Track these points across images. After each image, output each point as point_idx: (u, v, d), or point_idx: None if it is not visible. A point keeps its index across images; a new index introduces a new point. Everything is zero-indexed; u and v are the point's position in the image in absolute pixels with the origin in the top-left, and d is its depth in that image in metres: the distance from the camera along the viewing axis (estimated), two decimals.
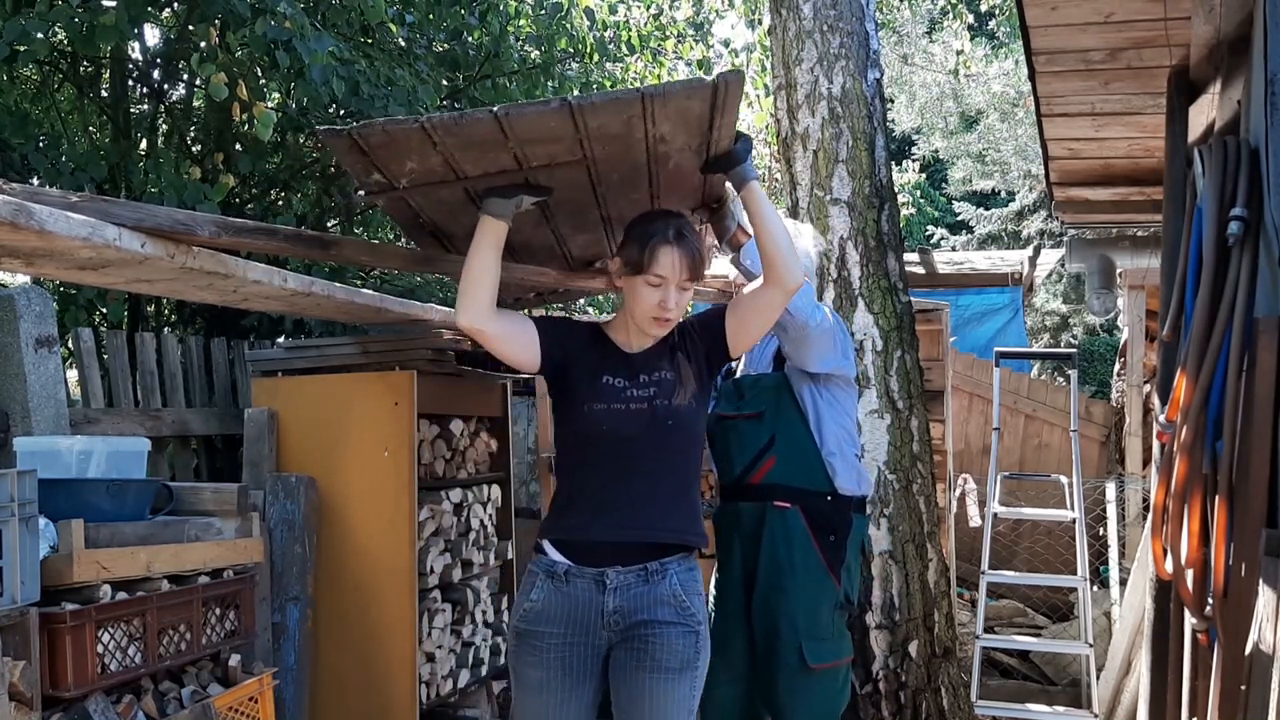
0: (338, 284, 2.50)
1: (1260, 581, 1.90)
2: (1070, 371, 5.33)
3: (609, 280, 2.40)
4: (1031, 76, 3.44)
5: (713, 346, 2.14)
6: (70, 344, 3.47)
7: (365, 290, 2.59)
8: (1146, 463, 5.56)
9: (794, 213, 3.88)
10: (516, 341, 2.07)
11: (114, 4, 3.51)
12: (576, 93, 5.47)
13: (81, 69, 4.61)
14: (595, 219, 2.19)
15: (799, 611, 2.50)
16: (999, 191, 14.24)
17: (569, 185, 2.00)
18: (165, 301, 4.38)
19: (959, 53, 10.48)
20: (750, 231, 2.31)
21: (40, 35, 3.39)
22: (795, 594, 2.50)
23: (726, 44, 6.93)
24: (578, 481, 2.10)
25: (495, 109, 1.66)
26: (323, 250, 2.06)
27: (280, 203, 5.03)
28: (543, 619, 2.05)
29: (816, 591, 2.54)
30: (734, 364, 2.79)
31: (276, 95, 4.75)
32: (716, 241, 2.36)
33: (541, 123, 1.73)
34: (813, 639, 2.50)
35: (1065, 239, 6.90)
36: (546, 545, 2.10)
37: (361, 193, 1.91)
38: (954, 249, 13.44)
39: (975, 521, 5.29)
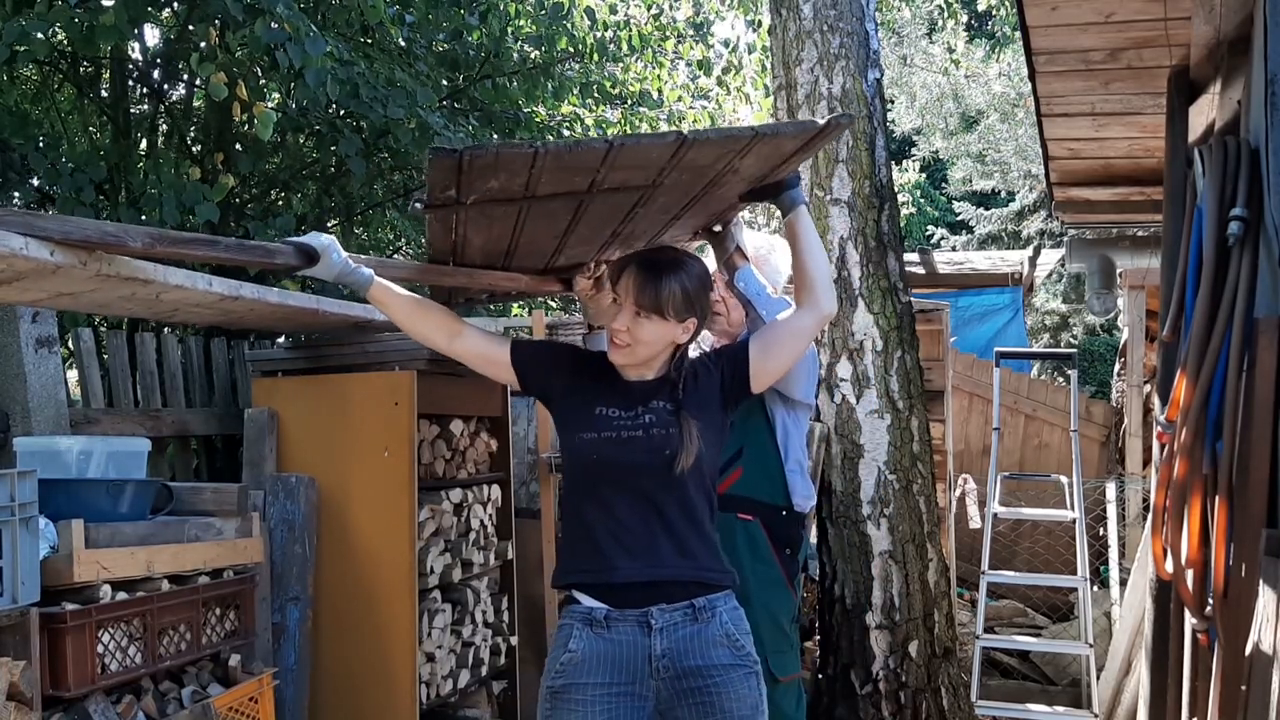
0: (270, 288, 2.44)
1: (1260, 581, 1.90)
2: (1070, 371, 5.34)
3: (565, 285, 2.38)
4: (1031, 76, 3.44)
5: (731, 377, 2.02)
6: (70, 344, 3.47)
7: (298, 293, 2.54)
8: (1146, 463, 5.56)
9: None
10: (486, 365, 2.10)
11: (113, 4, 3.51)
12: (576, 92, 5.46)
13: (81, 69, 4.61)
14: (608, 233, 2.15)
15: (763, 624, 2.48)
16: (999, 191, 14.24)
17: (609, 204, 1.94)
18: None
19: (951, 50, 10.51)
20: (747, 255, 2.32)
21: (40, 35, 3.39)
22: (758, 607, 2.49)
23: (727, 44, 6.93)
24: (587, 518, 1.97)
25: (611, 139, 1.64)
26: (267, 258, 1.96)
27: (280, 203, 5.03)
28: (583, 669, 1.89)
29: (778, 604, 2.57)
30: None
31: (276, 95, 4.75)
32: (715, 264, 2.36)
33: (645, 153, 1.70)
34: (776, 652, 2.52)
35: (1065, 239, 6.90)
36: (577, 594, 1.96)
37: (419, 205, 1.87)
38: (954, 249, 13.44)
39: (975, 522, 5.30)
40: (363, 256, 2.01)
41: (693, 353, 2.12)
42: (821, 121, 1.75)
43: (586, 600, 1.95)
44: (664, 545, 1.92)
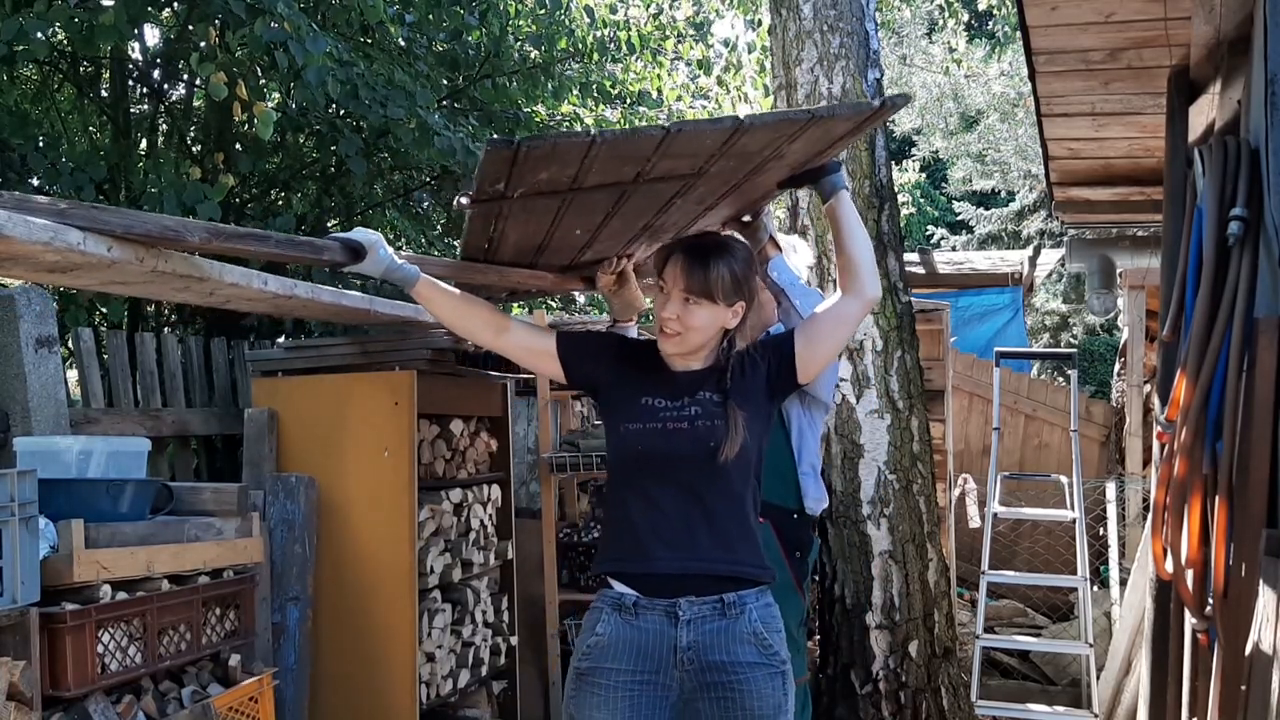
0: (323, 287, 2.46)
1: (1260, 581, 1.90)
2: (1070, 371, 5.34)
3: (587, 283, 2.38)
4: (1031, 76, 3.44)
5: (778, 368, 1.99)
6: (70, 344, 3.47)
7: (352, 292, 2.56)
8: (1146, 463, 5.56)
9: (794, 213, 3.88)
10: (532, 358, 2.09)
11: (113, 4, 3.51)
12: (576, 92, 5.46)
13: (81, 69, 4.61)
14: (640, 226, 2.11)
15: None
16: (999, 191, 14.24)
17: (650, 195, 1.90)
18: (165, 301, 4.38)
19: (952, 50, 10.51)
20: (781, 245, 2.31)
21: (40, 35, 3.39)
22: None
23: (727, 44, 6.92)
24: (629, 508, 1.97)
25: (668, 125, 1.61)
26: (315, 254, 2.00)
27: (280, 203, 5.03)
28: (609, 654, 1.90)
29: (787, 608, 2.55)
30: None
31: (276, 95, 4.74)
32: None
33: (699, 140, 1.67)
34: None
35: (1065, 239, 6.90)
36: (611, 580, 1.96)
37: (464, 200, 1.85)
38: (954, 249, 13.43)
39: (975, 521, 5.30)
40: (405, 253, 2.01)
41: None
42: (877, 103, 1.73)
43: (619, 586, 1.94)
44: (703, 538, 1.91)
